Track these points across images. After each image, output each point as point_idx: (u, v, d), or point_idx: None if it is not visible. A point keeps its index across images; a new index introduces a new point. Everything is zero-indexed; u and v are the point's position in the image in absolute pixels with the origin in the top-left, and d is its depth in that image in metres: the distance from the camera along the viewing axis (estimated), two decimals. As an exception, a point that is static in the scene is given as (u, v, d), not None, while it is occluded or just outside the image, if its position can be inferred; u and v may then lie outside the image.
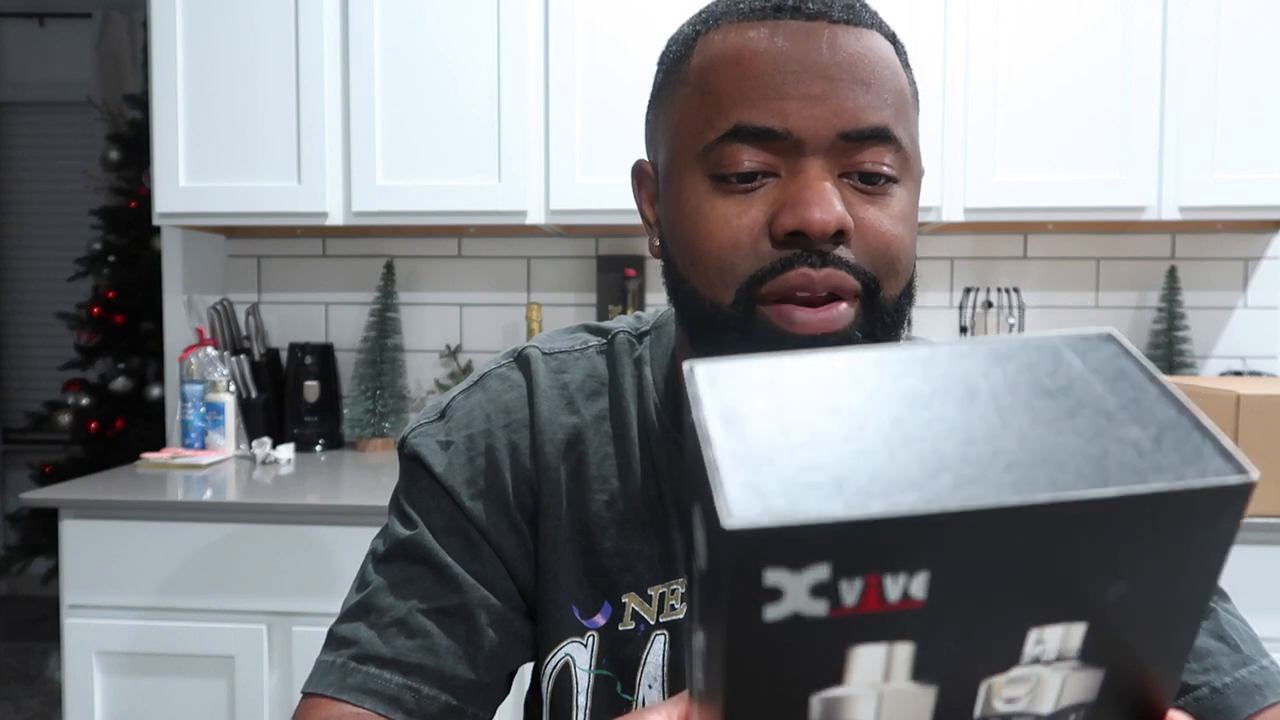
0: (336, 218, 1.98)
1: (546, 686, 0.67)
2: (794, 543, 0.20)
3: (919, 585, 0.21)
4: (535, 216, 1.95)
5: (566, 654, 0.65)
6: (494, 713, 0.66)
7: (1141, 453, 0.22)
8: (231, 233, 2.27)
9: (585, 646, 0.65)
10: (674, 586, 0.65)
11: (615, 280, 2.19)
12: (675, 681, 0.65)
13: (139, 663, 1.67)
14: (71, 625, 1.67)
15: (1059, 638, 0.23)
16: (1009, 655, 0.23)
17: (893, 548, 0.20)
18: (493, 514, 0.65)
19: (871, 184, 0.54)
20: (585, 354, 0.69)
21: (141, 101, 3.20)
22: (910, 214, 0.56)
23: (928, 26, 1.88)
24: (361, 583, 0.65)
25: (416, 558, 0.64)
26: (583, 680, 0.65)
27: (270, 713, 1.65)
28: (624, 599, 0.65)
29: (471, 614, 0.63)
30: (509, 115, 1.93)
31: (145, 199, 3.13)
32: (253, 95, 1.96)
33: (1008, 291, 2.18)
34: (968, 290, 2.19)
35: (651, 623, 0.65)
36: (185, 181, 1.98)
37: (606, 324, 0.72)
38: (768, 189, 0.54)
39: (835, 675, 0.22)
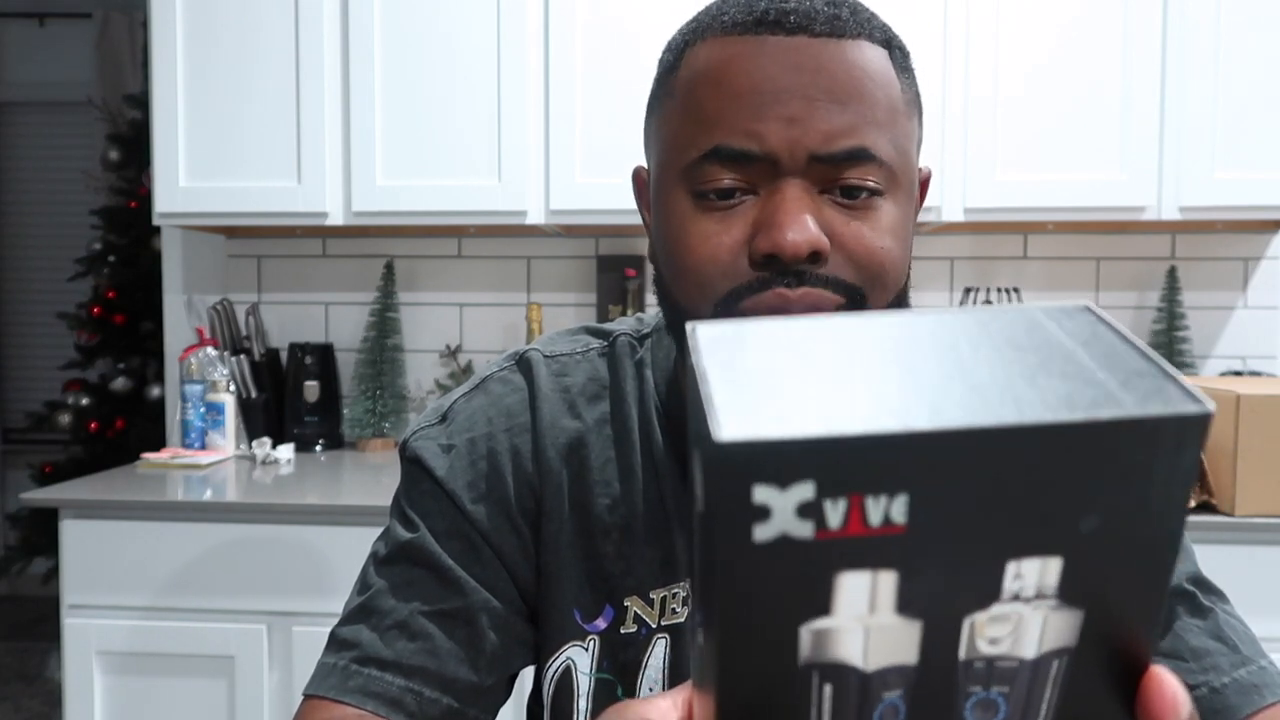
0: (336, 218, 1.98)
1: (548, 690, 0.67)
2: (781, 457, 0.22)
3: (899, 509, 0.22)
4: (535, 216, 1.95)
5: (568, 658, 0.66)
6: (495, 715, 0.66)
7: (1108, 392, 0.23)
8: (231, 233, 2.27)
9: (586, 650, 0.65)
10: (675, 590, 0.65)
11: (615, 280, 2.19)
12: (677, 685, 0.65)
13: (139, 663, 1.67)
14: (71, 625, 1.67)
15: (1036, 571, 0.24)
16: (989, 588, 0.24)
17: (873, 467, 0.22)
18: (494, 517, 0.65)
19: (853, 198, 0.54)
20: (587, 357, 0.69)
21: (141, 101, 3.20)
22: (900, 225, 0.56)
23: (928, 27, 1.88)
24: (363, 585, 0.66)
25: (418, 560, 0.64)
26: (584, 684, 0.65)
27: (270, 713, 1.66)
28: (626, 602, 0.65)
29: (473, 617, 0.63)
30: (509, 115, 1.93)
31: (145, 199, 3.13)
32: (253, 95, 1.96)
33: (1008, 291, 2.18)
34: (968, 290, 2.19)
35: (653, 626, 0.65)
36: (185, 181, 1.98)
37: (608, 326, 0.72)
38: (747, 206, 0.55)
39: (823, 605, 0.24)
